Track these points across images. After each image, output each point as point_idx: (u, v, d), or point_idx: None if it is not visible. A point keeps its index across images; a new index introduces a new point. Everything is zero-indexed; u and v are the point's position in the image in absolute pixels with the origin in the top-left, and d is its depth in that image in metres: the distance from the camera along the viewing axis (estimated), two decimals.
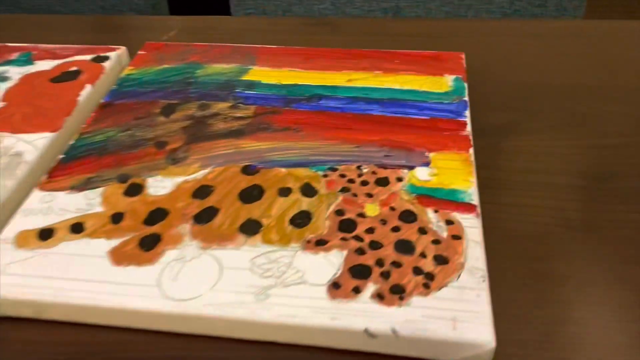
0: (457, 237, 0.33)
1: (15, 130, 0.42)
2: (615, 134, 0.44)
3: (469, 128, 0.41)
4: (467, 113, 0.42)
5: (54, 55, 0.51)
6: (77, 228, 0.34)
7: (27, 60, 0.50)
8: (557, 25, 0.60)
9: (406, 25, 0.61)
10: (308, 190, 0.36)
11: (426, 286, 0.30)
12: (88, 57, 0.50)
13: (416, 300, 0.29)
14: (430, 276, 0.30)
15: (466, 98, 0.44)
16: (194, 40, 0.55)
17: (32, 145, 0.40)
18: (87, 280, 0.31)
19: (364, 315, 0.29)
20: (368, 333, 0.28)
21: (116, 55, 0.50)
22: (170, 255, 0.32)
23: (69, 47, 0.52)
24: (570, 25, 0.61)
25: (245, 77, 0.47)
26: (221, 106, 0.44)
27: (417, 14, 0.77)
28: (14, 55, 0.51)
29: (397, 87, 0.45)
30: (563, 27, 0.59)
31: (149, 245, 0.33)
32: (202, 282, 0.31)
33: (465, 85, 0.45)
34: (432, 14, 0.77)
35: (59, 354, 0.30)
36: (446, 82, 0.46)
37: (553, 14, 0.75)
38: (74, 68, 0.49)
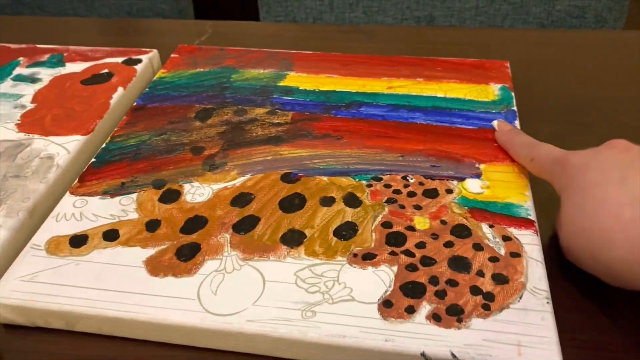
0: (516, 255, 0.30)
1: (46, 132, 0.41)
2: None
3: None
4: (517, 123, 0.40)
5: (85, 57, 0.50)
6: (110, 235, 0.32)
7: (58, 61, 0.49)
8: (597, 36, 0.58)
9: (442, 34, 0.59)
10: (352, 201, 0.34)
11: (486, 307, 0.28)
12: (119, 59, 0.49)
13: (476, 322, 0.27)
14: (489, 296, 0.28)
15: (514, 107, 0.42)
16: (225, 45, 0.53)
17: (64, 148, 0.39)
18: (121, 291, 0.29)
19: (420, 337, 0.27)
20: (425, 357, 0.26)
21: (148, 58, 0.49)
22: (210, 266, 0.30)
23: (100, 49, 0.51)
24: (610, 35, 0.59)
25: (282, 83, 0.45)
26: (258, 112, 0.42)
27: (451, 23, 0.75)
28: (45, 57, 0.50)
29: (440, 95, 0.43)
30: (603, 38, 0.57)
31: (188, 255, 0.31)
32: (244, 296, 0.29)
33: (513, 94, 0.43)
34: (466, 24, 0.75)
35: None
36: (492, 90, 0.43)
37: (592, 26, 0.72)
38: (105, 70, 0.48)
